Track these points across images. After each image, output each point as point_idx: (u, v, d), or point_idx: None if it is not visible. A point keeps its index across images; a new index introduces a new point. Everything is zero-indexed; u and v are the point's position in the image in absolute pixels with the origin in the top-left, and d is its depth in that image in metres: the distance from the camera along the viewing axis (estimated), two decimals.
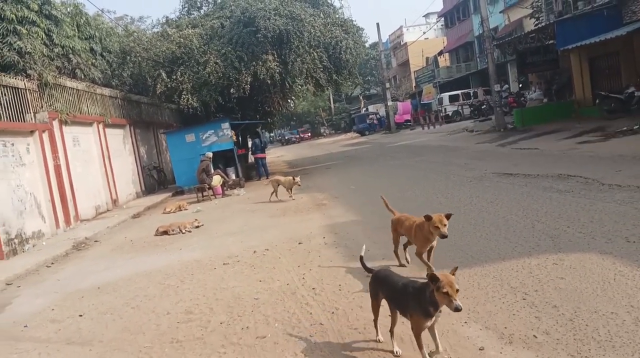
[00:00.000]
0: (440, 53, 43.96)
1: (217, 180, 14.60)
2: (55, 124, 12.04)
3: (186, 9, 20.02)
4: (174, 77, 15.93)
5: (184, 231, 9.26)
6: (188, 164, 16.20)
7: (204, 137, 16.78)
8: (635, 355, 2.85)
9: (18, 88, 10.83)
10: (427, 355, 3.03)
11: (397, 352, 3.30)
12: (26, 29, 11.53)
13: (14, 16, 11.24)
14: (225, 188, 15.15)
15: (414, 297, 3.00)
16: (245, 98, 17.63)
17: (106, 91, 15.95)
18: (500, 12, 32.55)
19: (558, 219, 5.77)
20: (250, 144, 22.13)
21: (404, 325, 3.44)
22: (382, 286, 3.39)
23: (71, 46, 13.74)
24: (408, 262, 5.12)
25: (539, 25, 20.05)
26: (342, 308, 4.24)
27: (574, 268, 4.22)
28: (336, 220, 8.07)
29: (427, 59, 46.97)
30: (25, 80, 11.15)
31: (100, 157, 14.60)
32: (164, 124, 21.80)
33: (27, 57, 11.38)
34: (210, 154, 15.31)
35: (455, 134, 23.77)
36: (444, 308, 2.90)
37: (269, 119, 24.84)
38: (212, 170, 14.96)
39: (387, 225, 6.91)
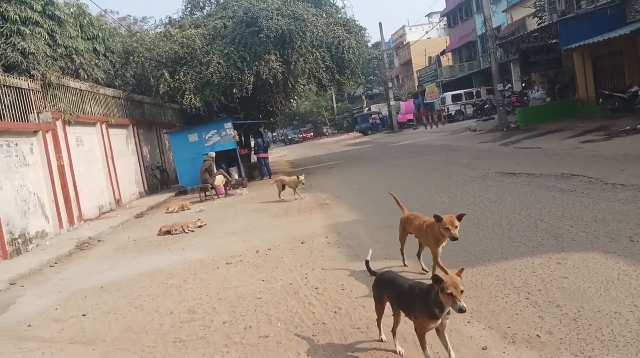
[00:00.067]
0: (443, 53, 43.88)
1: (220, 180, 14.61)
2: (59, 124, 12.08)
3: (189, 9, 20.07)
4: (177, 77, 15.96)
5: (187, 231, 9.27)
6: (191, 164, 16.23)
7: (207, 137, 16.81)
8: (639, 355, 2.84)
9: (22, 88, 10.87)
10: (430, 356, 3.02)
11: (400, 352, 3.30)
12: (30, 30, 11.58)
13: (17, 17, 11.29)
14: (228, 188, 15.17)
15: (420, 298, 2.97)
16: (248, 98, 17.64)
17: (109, 91, 16.00)
18: (503, 12, 32.48)
19: (561, 219, 5.75)
20: (253, 144, 22.16)
21: (407, 325, 3.43)
22: (387, 289, 3.36)
23: (74, 47, 13.80)
24: (427, 271, 4.79)
25: (542, 25, 19.96)
26: (345, 308, 4.23)
27: (577, 268, 4.20)
28: (339, 220, 8.07)
29: (430, 58, 46.97)
30: (28, 80, 11.19)
31: (103, 157, 14.64)
32: (167, 124, 21.86)
33: (31, 58, 11.43)
34: (213, 154, 15.33)
35: (458, 133, 23.73)
36: None
37: (271, 119, 24.88)
38: (215, 170, 14.99)
39: (389, 224, 6.92)
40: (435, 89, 42.25)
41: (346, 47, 16.94)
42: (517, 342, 3.20)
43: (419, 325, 3.00)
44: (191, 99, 15.85)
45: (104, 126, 14.86)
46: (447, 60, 44.66)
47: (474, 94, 35.22)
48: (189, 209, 12.55)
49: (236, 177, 16.82)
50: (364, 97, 58.18)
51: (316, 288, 4.86)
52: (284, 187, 11.67)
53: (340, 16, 18.39)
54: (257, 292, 5.05)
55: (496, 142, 16.20)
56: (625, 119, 14.31)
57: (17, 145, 10.30)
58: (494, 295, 3.98)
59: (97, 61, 15.91)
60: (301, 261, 5.95)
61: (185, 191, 17.04)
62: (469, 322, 3.59)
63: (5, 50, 11.14)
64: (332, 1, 18.86)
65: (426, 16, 55.45)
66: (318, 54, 16.43)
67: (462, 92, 35.93)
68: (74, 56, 13.95)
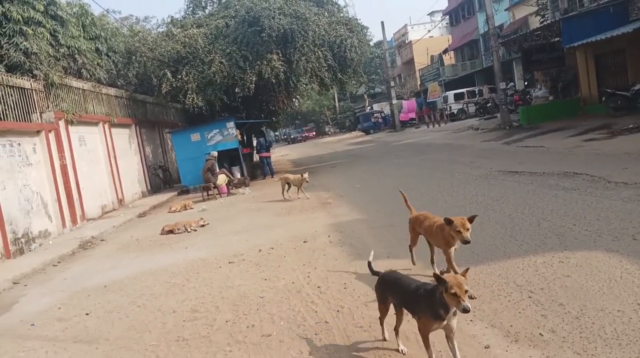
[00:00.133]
0: (445, 51, 43.81)
1: (222, 179, 14.63)
2: (62, 123, 12.11)
3: (191, 8, 20.08)
4: (179, 76, 15.97)
5: (189, 230, 9.29)
6: (193, 163, 16.25)
7: (209, 137, 16.83)
8: None
9: (24, 88, 10.90)
10: (433, 355, 3.01)
11: (402, 351, 3.30)
12: (32, 30, 11.59)
13: (20, 17, 11.29)
14: (230, 187, 15.18)
15: (425, 299, 2.95)
16: (250, 97, 17.65)
17: (112, 91, 16.03)
18: (505, 10, 32.38)
19: (564, 217, 5.74)
20: (255, 143, 22.18)
21: (409, 323, 3.43)
22: (392, 289, 3.34)
23: (77, 46, 13.81)
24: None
25: (545, 23, 19.93)
26: (348, 307, 4.24)
27: (580, 266, 4.20)
28: (341, 219, 8.07)
29: (432, 57, 46.88)
30: (31, 80, 11.21)
31: (106, 157, 14.67)
32: (169, 124, 21.89)
33: (33, 58, 11.44)
34: (216, 153, 15.35)
35: (460, 132, 23.70)
36: None
37: (273, 118, 24.88)
38: (218, 169, 15.01)
39: (391, 223, 6.93)
40: (437, 87, 42.18)
41: (348, 46, 16.92)
42: (519, 340, 3.20)
43: (422, 325, 2.99)
44: (193, 98, 15.86)
45: (106, 125, 14.89)
46: (449, 59, 44.59)
47: (476, 92, 35.15)
48: (192, 208, 12.56)
49: (238, 176, 16.84)
50: (365, 96, 58.13)
51: (318, 287, 4.86)
52: (288, 185, 11.68)
53: (342, 15, 18.37)
54: (259, 291, 5.05)
55: (498, 141, 16.17)
56: (628, 117, 14.27)
57: (19, 144, 10.33)
58: (497, 293, 3.98)
59: (100, 61, 15.93)
60: (303, 260, 5.95)
61: (187, 190, 17.06)
62: (471, 320, 3.58)
63: (8, 50, 11.15)
64: (333, 0, 18.85)
65: (428, 14, 55.49)
66: (320, 52, 16.42)
67: (464, 90, 35.87)
68: (76, 56, 13.96)
